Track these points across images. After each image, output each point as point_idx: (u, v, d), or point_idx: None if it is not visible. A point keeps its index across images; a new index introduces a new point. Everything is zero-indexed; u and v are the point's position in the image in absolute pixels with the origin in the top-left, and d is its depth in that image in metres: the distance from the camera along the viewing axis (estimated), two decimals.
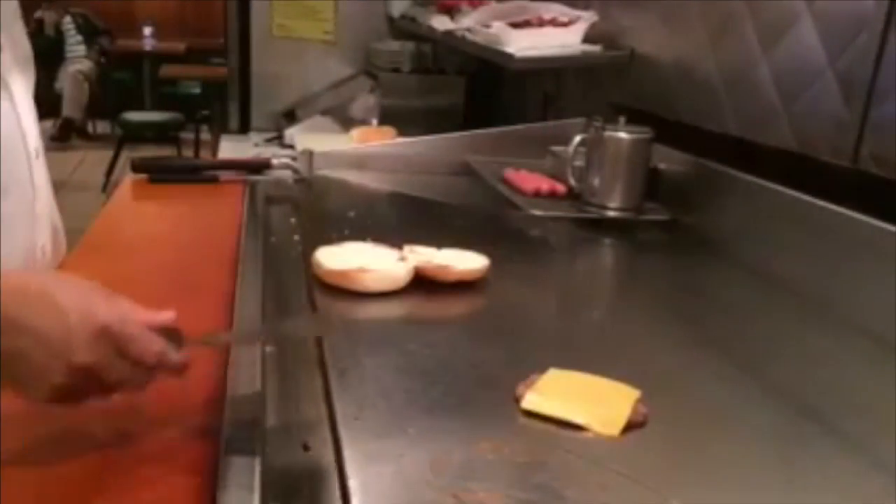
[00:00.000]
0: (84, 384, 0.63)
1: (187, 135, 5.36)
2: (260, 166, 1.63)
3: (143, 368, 0.65)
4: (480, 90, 2.60)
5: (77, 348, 0.61)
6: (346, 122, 2.52)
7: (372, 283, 0.98)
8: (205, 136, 5.29)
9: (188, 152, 5.33)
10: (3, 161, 0.89)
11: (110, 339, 0.63)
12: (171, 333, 0.67)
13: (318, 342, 0.84)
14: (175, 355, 0.66)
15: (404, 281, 1.00)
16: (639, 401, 0.75)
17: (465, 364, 0.83)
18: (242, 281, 1.02)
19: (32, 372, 0.62)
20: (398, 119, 2.41)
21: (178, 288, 1.05)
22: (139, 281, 1.04)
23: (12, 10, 0.99)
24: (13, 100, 0.94)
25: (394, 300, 0.98)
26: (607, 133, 1.38)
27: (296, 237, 1.23)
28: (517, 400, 0.74)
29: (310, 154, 1.65)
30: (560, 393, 0.74)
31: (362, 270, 0.98)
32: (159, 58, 5.63)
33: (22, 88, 0.97)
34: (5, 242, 0.88)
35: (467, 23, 2.02)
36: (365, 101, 2.53)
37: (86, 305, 0.63)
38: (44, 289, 0.64)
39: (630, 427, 0.71)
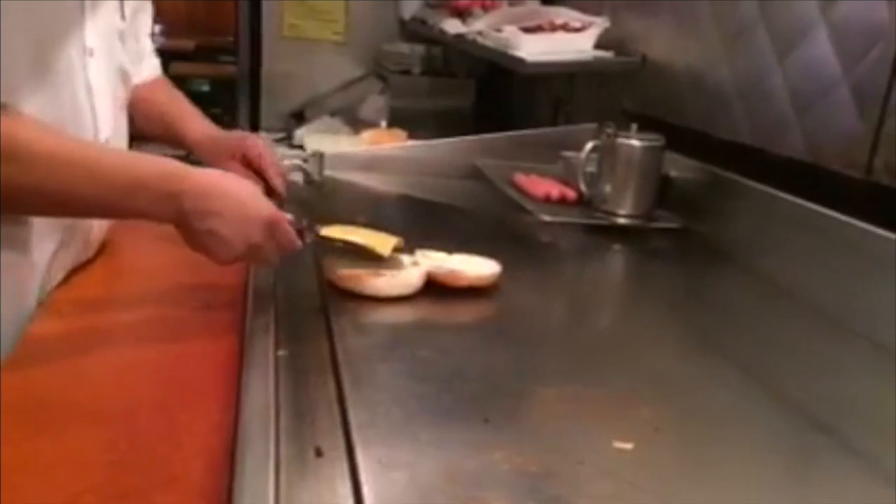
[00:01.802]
0: (255, 253, 0.92)
1: None
2: None
3: (283, 247, 0.95)
4: (490, 93, 2.60)
5: (253, 230, 0.90)
6: (355, 124, 2.52)
7: (384, 287, 0.98)
8: None
9: None
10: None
11: (272, 226, 0.92)
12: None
13: (331, 347, 0.84)
14: (299, 243, 0.97)
15: (417, 286, 1.00)
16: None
17: (477, 371, 0.84)
18: (254, 280, 1.03)
19: (220, 244, 0.90)
20: (407, 121, 2.41)
21: (191, 284, 1.06)
22: (158, 273, 1.10)
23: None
24: (89, 84, 1.01)
25: (406, 305, 0.98)
26: (619, 140, 1.38)
27: (306, 240, 1.23)
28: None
29: (321, 156, 1.65)
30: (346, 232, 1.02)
31: (374, 274, 0.98)
32: (168, 55, 5.64)
33: (101, 76, 1.04)
34: None
35: (479, 26, 2.02)
36: (374, 103, 2.54)
37: (255, 202, 0.92)
38: (230, 185, 0.92)
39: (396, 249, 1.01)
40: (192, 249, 0.92)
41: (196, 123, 1.37)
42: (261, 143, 1.36)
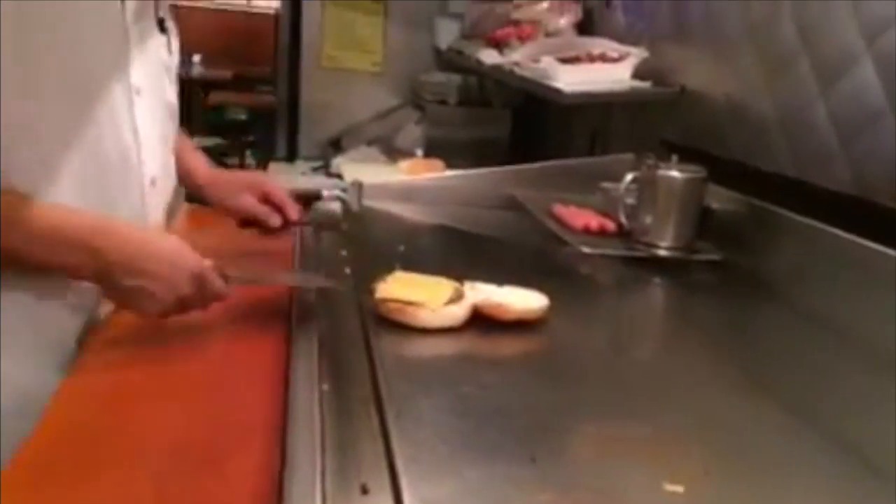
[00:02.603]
0: (184, 307, 0.94)
1: (232, 160, 5.45)
2: (310, 197, 1.64)
3: (212, 297, 0.96)
4: (526, 123, 2.60)
5: (181, 285, 0.92)
6: (392, 153, 2.55)
7: (429, 319, 0.98)
8: (249, 161, 5.37)
9: None
10: (111, 181, 1.00)
11: (199, 279, 0.93)
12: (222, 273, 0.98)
13: (374, 381, 0.84)
14: (228, 291, 0.98)
15: (462, 319, 0.99)
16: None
17: (522, 406, 0.83)
18: (297, 310, 1.03)
19: (149, 301, 0.91)
20: (443, 150, 2.43)
21: (236, 311, 1.06)
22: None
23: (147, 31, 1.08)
24: (135, 125, 1.01)
25: (450, 337, 0.98)
26: (660, 171, 1.37)
27: (347, 270, 1.24)
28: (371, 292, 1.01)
29: (360, 185, 1.66)
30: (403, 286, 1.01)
31: (420, 306, 0.98)
32: (208, 85, 5.75)
33: (148, 115, 1.05)
34: None
35: (516, 57, 2.03)
36: (411, 132, 2.56)
37: (182, 256, 0.93)
38: (158, 241, 0.95)
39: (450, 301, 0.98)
40: (117, 305, 0.95)
41: (201, 162, 1.35)
42: (273, 181, 1.37)
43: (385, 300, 1.00)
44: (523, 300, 1.03)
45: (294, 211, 1.29)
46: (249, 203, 1.26)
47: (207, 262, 0.95)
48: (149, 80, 1.05)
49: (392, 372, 0.87)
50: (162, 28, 1.11)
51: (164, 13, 1.12)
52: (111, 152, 0.98)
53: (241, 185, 1.29)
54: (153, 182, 1.08)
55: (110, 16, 0.97)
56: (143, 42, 1.04)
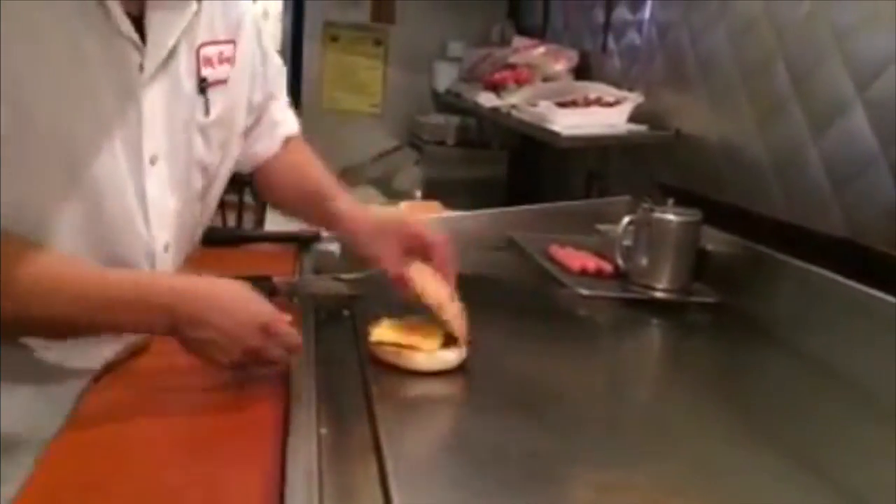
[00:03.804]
0: (253, 358, 0.93)
1: (230, 197, 5.47)
2: (309, 239, 1.66)
3: (284, 347, 0.95)
4: (523, 164, 2.63)
5: (248, 336, 0.91)
6: (391, 193, 2.56)
7: (424, 363, 0.99)
8: (247, 198, 5.39)
9: (231, 214, 5.43)
10: (116, 244, 0.95)
11: (268, 330, 0.92)
12: None
13: (373, 425, 0.84)
14: (299, 340, 0.96)
15: (457, 362, 1.00)
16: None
17: (519, 452, 0.83)
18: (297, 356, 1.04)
19: (216, 351, 0.91)
20: (442, 190, 2.45)
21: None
22: None
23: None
24: (144, 193, 0.95)
25: (446, 380, 0.99)
26: (656, 214, 1.39)
27: (345, 312, 1.25)
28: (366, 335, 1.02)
29: None
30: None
31: (415, 349, 0.99)
32: None
33: (163, 183, 0.98)
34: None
35: (514, 100, 2.07)
36: (410, 173, 2.58)
37: (249, 307, 0.93)
38: (222, 294, 0.93)
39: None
40: (191, 355, 0.93)
41: (347, 202, 1.23)
42: (434, 237, 1.16)
43: (381, 343, 1.01)
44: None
45: (450, 276, 1.12)
46: (388, 253, 1.16)
47: (278, 314, 0.94)
48: (171, 145, 0.98)
49: (390, 415, 0.87)
50: (202, 89, 1.01)
51: (212, 72, 1.02)
52: (115, 218, 0.94)
53: (392, 234, 1.17)
54: (166, 248, 1.01)
55: (120, 85, 0.91)
56: (168, 108, 0.96)
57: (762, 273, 1.35)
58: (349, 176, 2.74)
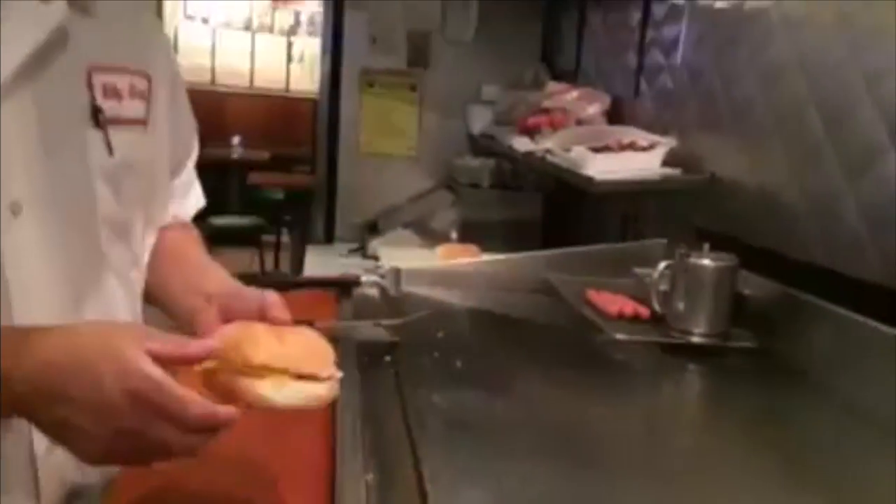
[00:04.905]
0: (136, 445, 0.64)
1: (268, 237, 5.59)
2: (349, 283, 1.70)
3: (192, 430, 0.64)
4: (558, 206, 2.66)
5: (117, 413, 0.62)
6: (427, 235, 2.61)
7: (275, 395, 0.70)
8: (284, 238, 5.50)
9: (269, 254, 5.54)
10: None
11: (146, 403, 0.62)
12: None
13: (419, 473, 0.87)
14: (222, 411, 0.64)
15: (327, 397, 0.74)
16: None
17: (562, 499, 0.85)
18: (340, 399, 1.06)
19: (80, 437, 0.63)
20: (477, 232, 2.49)
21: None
22: None
23: None
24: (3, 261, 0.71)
25: (485, 424, 1.01)
26: (692, 260, 1.40)
27: (387, 357, 1.28)
28: None
29: (398, 271, 1.72)
30: None
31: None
32: (246, 166, 5.95)
33: (37, 244, 0.74)
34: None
35: (548, 145, 2.10)
36: (446, 215, 2.63)
37: (120, 368, 0.62)
38: (78, 353, 0.63)
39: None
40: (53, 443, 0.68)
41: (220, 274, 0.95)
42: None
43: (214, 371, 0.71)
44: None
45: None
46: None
47: (167, 380, 0.63)
48: (49, 190, 0.74)
49: (436, 464, 0.89)
50: (97, 121, 0.79)
51: (106, 100, 0.80)
52: None
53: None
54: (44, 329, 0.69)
55: None
56: (38, 137, 0.73)
57: (800, 318, 1.36)
58: (386, 217, 2.80)
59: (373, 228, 2.78)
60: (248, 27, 7.20)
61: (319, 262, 2.50)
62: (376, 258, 2.41)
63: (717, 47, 1.77)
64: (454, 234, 2.56)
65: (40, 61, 0.72)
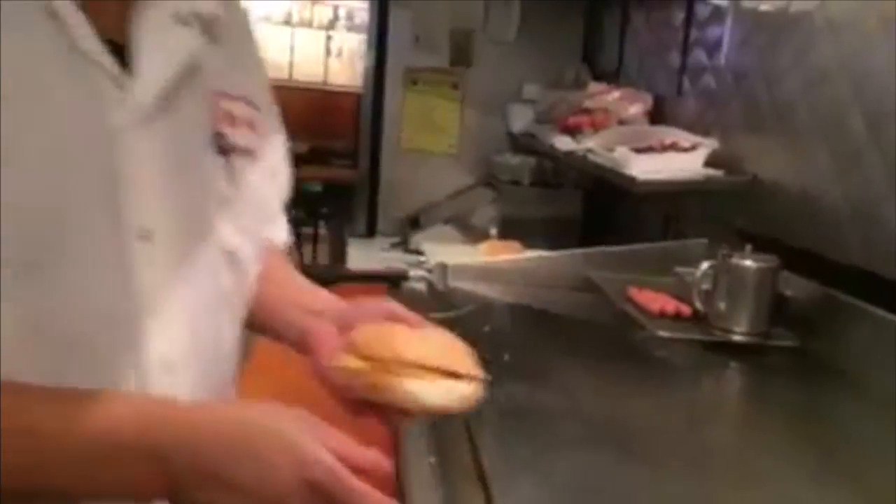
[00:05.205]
0: None
1: (307, 229, 5.68)
2: (398, 278, 1.76)
3: None
4: (598, 204, 2.70)
5: (286, 497, 0.58)
6: (468, 231, 2.66)
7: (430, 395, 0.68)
8: (322, 230, 5.58)
9: (307, 246, 5.62)
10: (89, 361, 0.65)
11: (323, 495, 0.59)
12: None
13: (477, 463, 0.92)
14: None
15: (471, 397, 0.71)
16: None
17: (610, 493, 0.89)
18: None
19: None
20: (517, 229, 2.53)
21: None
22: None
23: None
24: (130, 293, 0.66)
25: (529, 417, 1.06)
26: (734, 260, 1.44)
27: None
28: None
29: (445, 267, 1.77)
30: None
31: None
32: None
33: (164, 271, 0.69)
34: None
35: (589, 144, 2.14)
36: (486, 212, 2.67)
37: (296, 459, 0.59)
38: (248, 436, 0.60)
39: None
40: None
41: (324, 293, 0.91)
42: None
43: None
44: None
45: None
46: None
47: (338, 468, 0.59)
48: (175, 219, 0.69)
49: (491, 454, 0.94)
50: (222, 149, 0.75)
51: (232, 133, 0.76)
52: (77, 319, 0.63)
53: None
54: (169, 367, 0.68)
55: (90, 129, 0.64)
56: (172, 165, 0.70)
57: (839, 318, 1.39)
58: (427, 213, 2.85)
59: (414, 223, 2.83)
60: (287, 21, 7.30)
61: (362, 256, 2.57)
62: (420, 253, 2.46)
63: (761, 49, 1.79)
64: (494, 231, 2.60)
65: (175, 87, 0.70)
